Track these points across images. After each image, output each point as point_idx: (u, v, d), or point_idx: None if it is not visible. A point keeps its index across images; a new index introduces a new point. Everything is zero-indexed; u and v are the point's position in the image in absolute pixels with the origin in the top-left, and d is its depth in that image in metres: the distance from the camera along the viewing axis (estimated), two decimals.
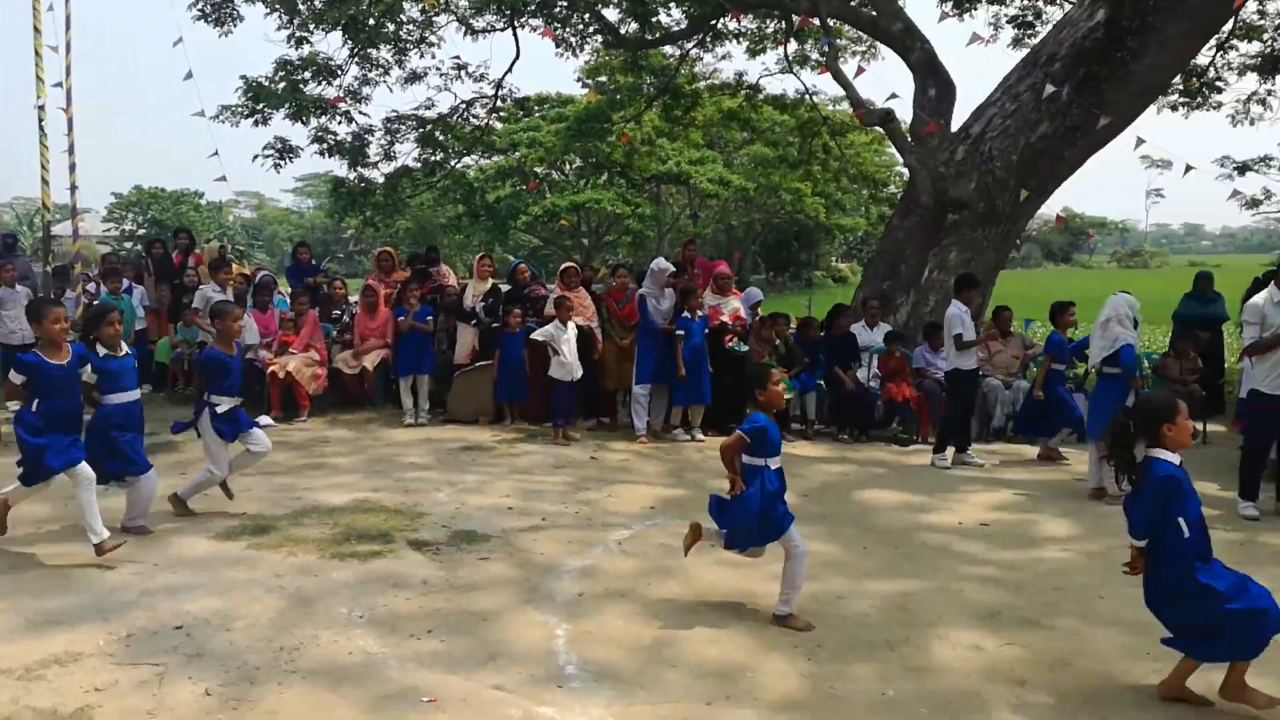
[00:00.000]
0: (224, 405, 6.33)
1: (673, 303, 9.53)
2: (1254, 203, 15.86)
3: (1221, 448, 9.35)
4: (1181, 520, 3.93)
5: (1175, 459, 4.02)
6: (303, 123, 14.07)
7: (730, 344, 9.90)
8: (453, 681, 4.08)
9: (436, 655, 4.34)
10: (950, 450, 8.82)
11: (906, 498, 7.55)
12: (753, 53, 16.81)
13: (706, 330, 9.66)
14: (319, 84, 14.18)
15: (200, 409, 6.36)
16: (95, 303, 10.01)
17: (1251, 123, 15.45)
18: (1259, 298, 7.17)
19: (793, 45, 16.19)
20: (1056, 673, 4.30)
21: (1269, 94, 15.10)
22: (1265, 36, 14.40)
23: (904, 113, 12.64)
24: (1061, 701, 4.02)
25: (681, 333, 9.32)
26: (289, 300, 11.63)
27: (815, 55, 16.21)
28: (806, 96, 18.62)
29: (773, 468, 4.87)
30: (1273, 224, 17.61)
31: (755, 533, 4.86)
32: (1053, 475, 8.48)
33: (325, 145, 14.62)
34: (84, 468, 5.46)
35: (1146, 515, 3.99)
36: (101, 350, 5.83)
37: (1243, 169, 15.39)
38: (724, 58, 26.85)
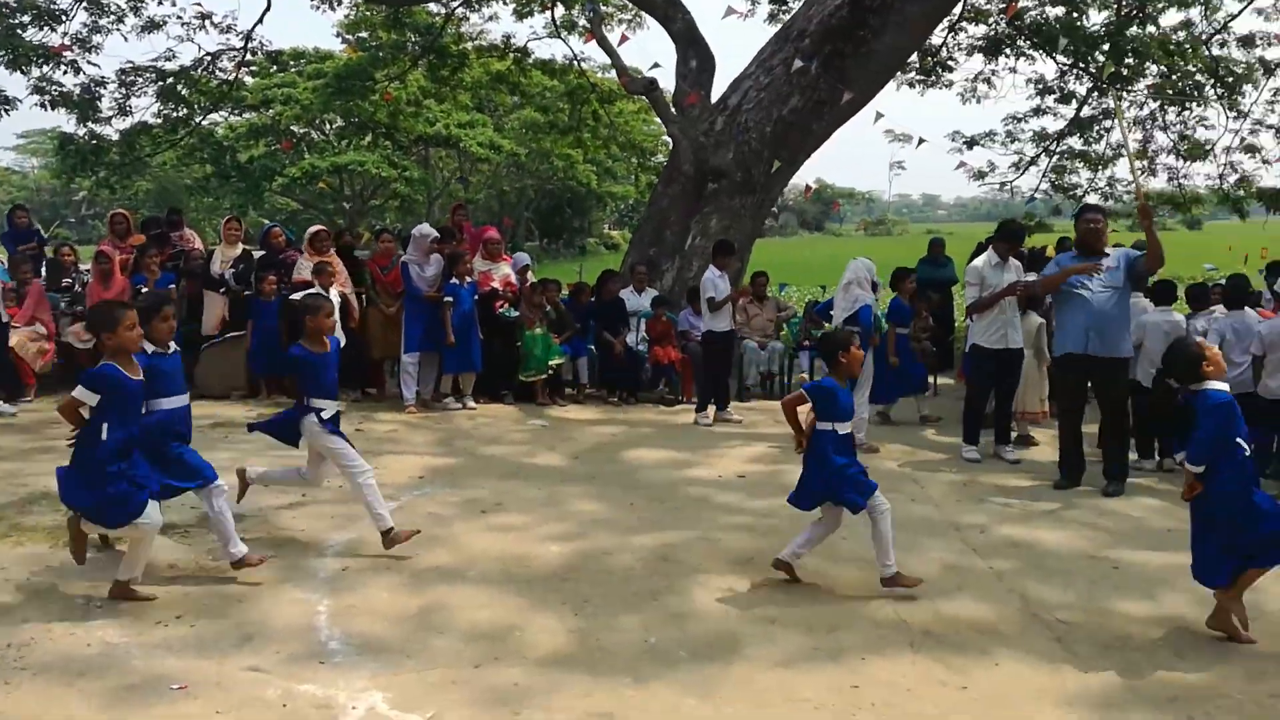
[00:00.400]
0: (329, 410, 5.37)
1: (439, 269, 9.37)
2: (980, 175, 17.31)
3: (948, 399, 10.27)
4: (1240, 440, 4.27)
5: (1226, 387, 4.38)
6: (22, 72, 12.67)
7: (501, 310, 9.87)
8: (205, 666, 3.89)
9: (186, 641, 4.11)
10: (712, 408, 9.22)
11: (671, 455, 7.84)
12: (520, 15, 16.68)
13: (476, 296, 9.58)
14: (40, 30, 12.81)
15: (302, 415, 5.36)
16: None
17: (979, 101, 16.88)
18: (978, 261, 7.93)
19: (560, 10, 16.18)
20: (803, 608, 4.63)
21: (993, 74, 16.56)
22: (990, 20, 15.76)
23: (668, 83, 12.98)
24: (807, 634, 4.33)
25: (450, 299, 9.19)
26: (8, 269, 10.51)
27: (582, 21, 16.28)
28: (575, 62, 18.70)
29: (840, 432, 4.84)
30: (997, 194, 19.63)
31: (835, 489, 4.79)
32: None
33: (49, 97, 13.24)
34: (153, 511, 4.52)
35: (1209, 441, 4.26)
36: (149, 347, 4.81)
37: (970, 143, 16.72)
38: (491, 19, 26.58)
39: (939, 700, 3.77)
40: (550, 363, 9.79)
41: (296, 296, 9.04)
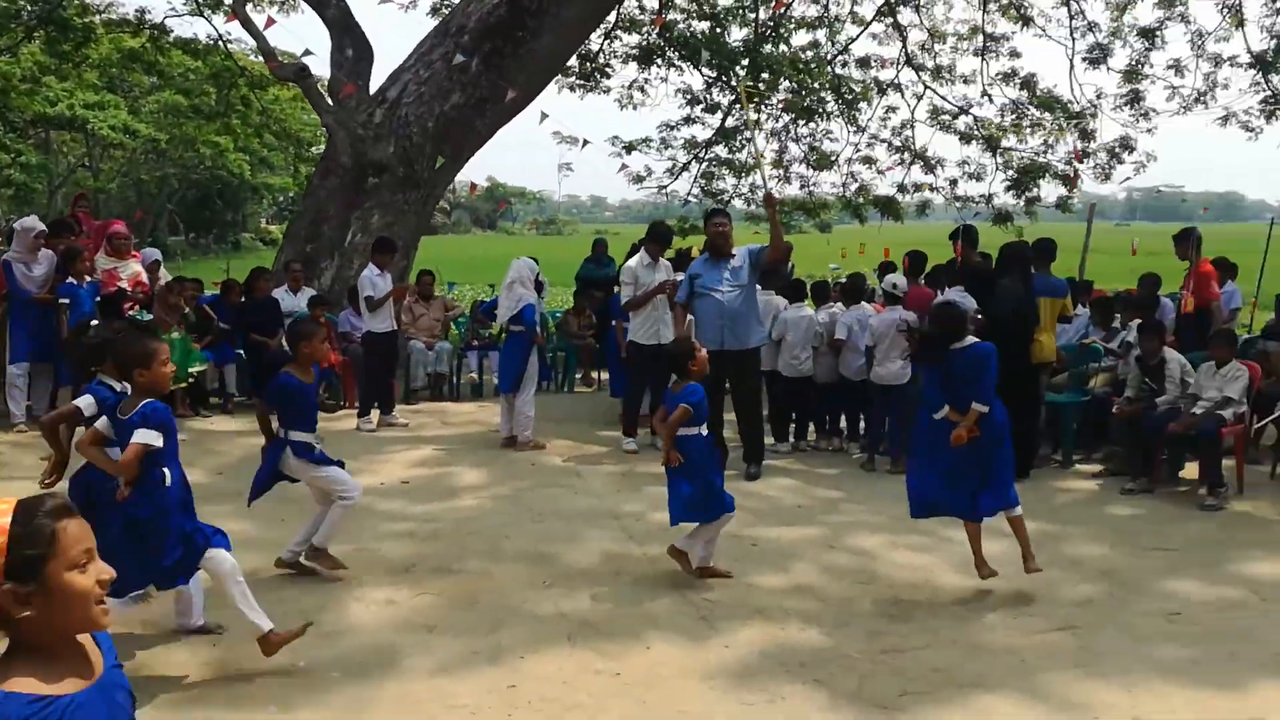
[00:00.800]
0: (305, 440, 4.88)
1: (50, 267, 8.28)
2: (639, 178, 18.04)
3: (605, 394, 10.59)
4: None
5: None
6: None
7: (132, 312, 8.91)
8: None
9: None
10: (375, 413, 8.91)
11: None
12: None
13: (99, 297, 8.57)
14: None
15: (278, 451, 4.91)
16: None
17: (635, 107, 17.59)
18: (632, 261, 8.28)
19: None
20: (464, 612, 4.58)
21: (646, 82, 17.33)
22: (643, 30, 16.49)
23: (324, 70, 12.37)
24: (467, 638, 4.28)
25: (65, 301, 8.15)
26: None
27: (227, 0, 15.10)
28: (220, 43, 17.35)
29: (705, 434, 5.00)
30: (657, 198, 20.84)
31: (715, 497, 4.92)
32: (470, 429, 8.99)
33: None
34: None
35: (992, 383, 4.75)
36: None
37: (629, 148, 17.37)
38: None
39: (593, 689, 3.86)
40: (190, 370, 8.97)
41: None
